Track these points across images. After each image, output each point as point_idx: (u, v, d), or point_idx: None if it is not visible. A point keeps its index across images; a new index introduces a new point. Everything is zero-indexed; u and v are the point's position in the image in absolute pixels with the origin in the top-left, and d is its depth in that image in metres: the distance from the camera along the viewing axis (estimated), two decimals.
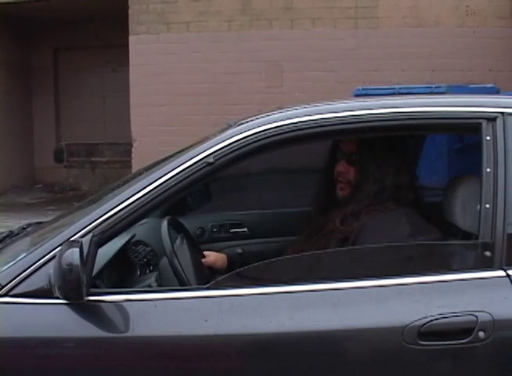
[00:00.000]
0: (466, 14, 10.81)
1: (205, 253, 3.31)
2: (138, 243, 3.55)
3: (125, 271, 3.20)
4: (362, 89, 8.45)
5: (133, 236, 3.44)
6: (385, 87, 8.57)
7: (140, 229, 3.52)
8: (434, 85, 8.17)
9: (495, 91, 7.76)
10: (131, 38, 11.57)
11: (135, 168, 10.59)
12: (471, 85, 8.84)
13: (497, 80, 10.05)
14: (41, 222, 3.42)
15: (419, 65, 10.70)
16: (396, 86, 8.59)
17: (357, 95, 7.80)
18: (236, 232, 4.13)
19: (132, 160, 11.58)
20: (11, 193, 14.58)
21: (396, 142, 2.98)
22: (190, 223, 3.69)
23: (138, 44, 11.50)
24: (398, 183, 2.90)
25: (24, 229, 3.30)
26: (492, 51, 10.72)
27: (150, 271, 3.37)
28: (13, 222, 8.66)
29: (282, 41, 11.10)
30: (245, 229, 4.13)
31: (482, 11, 10.80)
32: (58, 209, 11.16)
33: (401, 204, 2.86)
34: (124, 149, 13.64)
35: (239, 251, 3.55)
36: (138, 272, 3.26)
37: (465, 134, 2.98)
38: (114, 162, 15.27)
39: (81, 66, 15.66)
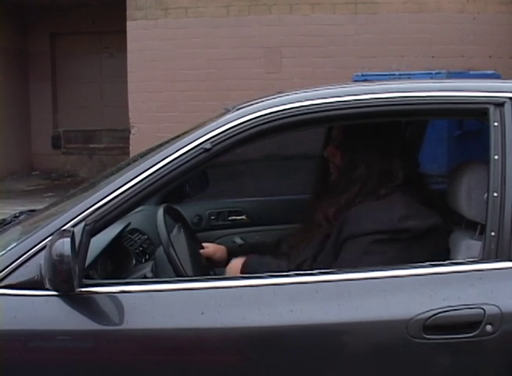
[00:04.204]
0: (466, 0, 10.74)
1: (204, 245, 3.24)
2: (134, 231, 3.50)
3: (120, 260, 3.14)
4: (362, 75, 8.43)
5: (128, 224, 3.38)
6: (385, 73, 8.54)
7: (136, 217, 3.47)
8: (434, 72, 8.13)
9: (495, 77, 7.73)
10: (129, 24, 11.50)
11: (133, 155, 10.54)
12: (471, 72, 8.80)
13: (497, 66, 10.02)
14: (33, 210, 3.36)
15: (419, 51, 10.64)
16: (396, 72, 8.57)
17: (356, 81, 7.75)
18: (234, 219, 4.05)
19: (130, 147, 11.55)
20: (8, 179, 14.54)
21: (385, 126, 2.84)
22: (187, 211, 3.63)
23: (135, 29, 11.43)
24: (388, 169, 2.77)
25: (16, 217, 3.23)
26: (493, 37, 10.68)
27: (146, 260, 3.32)
28: (10, 209, 8.60)
29: (281, 27, 11.03)
30: (244, 217, 4.06)
31: None
32: (55, 196, 11.10)
33: (394, 190, 2.73)
34: (122, 135, 13.62)
35: (239, 242, 3.48)
36: (134, 262, 3.20)
37: (471, 119, 2.90)
38: (112, 148, 15.23)
39: (79, 51, 15.60)
